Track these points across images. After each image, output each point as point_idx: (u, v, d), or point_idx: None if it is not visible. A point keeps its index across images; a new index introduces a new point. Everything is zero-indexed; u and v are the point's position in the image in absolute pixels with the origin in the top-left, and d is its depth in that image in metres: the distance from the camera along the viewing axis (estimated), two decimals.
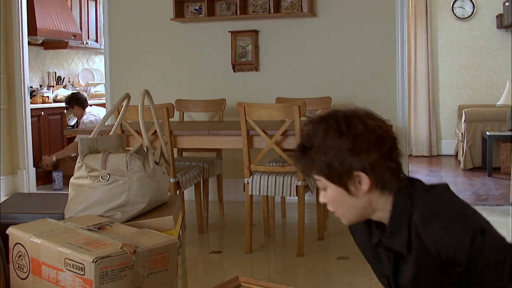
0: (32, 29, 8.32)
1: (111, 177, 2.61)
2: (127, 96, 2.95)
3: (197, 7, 6.83)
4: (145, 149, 2.72)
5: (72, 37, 9.35)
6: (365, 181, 1.95)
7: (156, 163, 2.75)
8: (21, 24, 7.69)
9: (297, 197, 4.77)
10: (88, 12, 10.01)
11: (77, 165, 2.68)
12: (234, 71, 6.78)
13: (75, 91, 9.06)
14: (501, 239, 1.91)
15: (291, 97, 6.28)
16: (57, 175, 8.03)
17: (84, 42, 9.88)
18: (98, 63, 11.00)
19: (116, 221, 2.52)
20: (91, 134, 2.80)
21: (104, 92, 8.35)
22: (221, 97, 6.50)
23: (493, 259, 1.86)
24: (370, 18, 6.44)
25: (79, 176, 2.67)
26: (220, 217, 6.15)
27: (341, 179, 1.97)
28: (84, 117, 8.32)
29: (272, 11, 6.58)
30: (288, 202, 6.16)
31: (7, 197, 2.99)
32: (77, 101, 8.40)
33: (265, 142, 4.77)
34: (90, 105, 8.58)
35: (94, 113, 8.39)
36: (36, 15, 8.50)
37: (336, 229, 5.57)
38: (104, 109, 8.39)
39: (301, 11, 6.53)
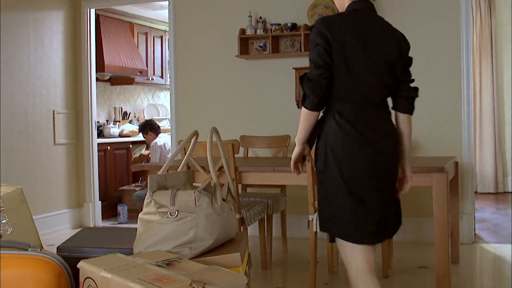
0: (100, 65, 8.51)
1: (179, 214, 2.64)
2: (196, 134, 2.99)
3: (261, 44, 6.90)
4: (213, 186, 2.75)
5: (138, 73, 9.52)
6: None
7: (223, 199, 2.77)
8: (89, 60, 7.88)
9: None
10: (154, 49, 10.20)
11: (146, 201, 2.73)
12: (298, 107, 6.80)
13: (149, 119, 9.24)
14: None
15: None
16: (122, 209, 8.14)
17: (150, 78, 10.05)
18: (163, 98, 11.17)
19: (184, 257, 2.54)
20: (160, 170, 2.84)
21: (169, 127, 8.46)
22: (285, 133, 6.52)
23: None
24: (436, 54, 6.39)
25: (148, 212, 2.71)
26: (283, 253, 6.13)
27: None
28: (153, 141, 8.50)
29: None
30: None
31: (77, 231, 3.05)
32: (151, 128, 8.64)
33: None
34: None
35: (160, 140, 8.56)
36: (104, 51, 8.70)
37: (401, 267, 5.50)
38: (169, 136, 8.54)
39: None
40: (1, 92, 6.72)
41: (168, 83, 10.36)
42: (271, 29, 6.80)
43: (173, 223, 2.64)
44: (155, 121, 9.04)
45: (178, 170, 3.01)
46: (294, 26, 6.72)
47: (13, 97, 6.97)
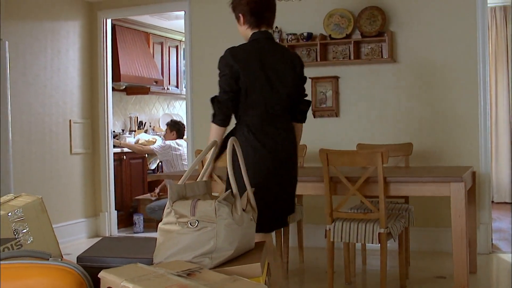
0: (116, 75, 8.54)
1: (199, 224, 2.63)
2: (215, 143, 2.99)
3: None
4: (233, 196, 2.75)
5: (154, 83, 9.55)
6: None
7: (243, 210, 2.77)
8: (106, 70, 7.93)
9: (379, 244, 4.72)
10: (169, 58, 10.22)
11: (166, 211, 2.72)
12: (314, 117, 6.80)
13: (182, 123, 9.17)
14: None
15: (371, 143, 6.26)
16: (137, 218, 8.16)
17: (165, 88, 10.07)
18: (178, 108, 11.20)
19: (204, 267, 2.54)
20: (180, 180, 2.83)
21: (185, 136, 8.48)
22: (300, 142, 6.50)
23: None
24: (451, 63, 6.38)
25: (168, 222, 2.71)
26: (300, 263, 6.12)
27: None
28: (169, 141, 8.50)
29: (352, 57, 6.60)
30: (369, 248, 6.12)
31: (96, 241, 3.05)
32: (178, 130, 8.70)
33: (347, 188, 4.74)
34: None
35: (178, 142, 8.56)
36: (120, 61, 8.73)
37: (418, 277, 5.48)
38: (185, 142, 8.57)
39: (381, 57, 6.54)
40: (19, 102, 6.76)
41: (183, 92, 10.38)
42: (287, 39, 6.81)
43: (193, 233, 2.63)
44: (184, 125, 8.98)
45: (197, 180, 3.01)
46: (310, 36, 6.72)
47: (30, 107, 7.01)
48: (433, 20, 6.44)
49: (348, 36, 6.63)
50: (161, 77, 9.84)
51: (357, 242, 4.81)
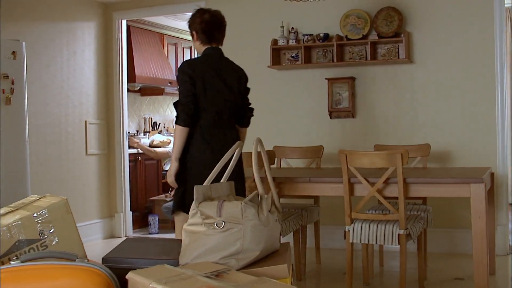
0: (131, 76, 8.54)
1: (226, 225, 2.63)
2: (240, 145, 2.99)
3: (293, 55, 6.90)
4: (259, 197, 2.74)
5: (168, 84, 9.55)
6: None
7: (268, 211, 2.76)
8: (121, 71, 7.94)
9: (396, 246, 4.70)
10: (183, 59, 10.21)
11: (192, 212, 2.72)
12: (330, 118, 6.79)
13: None
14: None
15: (387, 144, 6.24)
16: (153, 219, 8.16)
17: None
18: None
19: (231, 268, 2.53)
20: (205, 181, 2.83)
21: None
22: (317, 143, 6.51)
23: None
24: (468, 64, 6.35)
25: (194, 223, 2.71)
26: (316, 264, 6.10)
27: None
28: None
29: (368, 58, 6.58)
30: (386, 250, 6.10)
31: (120, 242, 3.05)
32: None
33: (366, 189, 4.73)
34: None
35: None
36: (135, 62, 8.73)
37: (437, 278, 5.46)
38: None
39: (398, 57, 6.51)
40: (35, 103, 6.77)
41: None
42: (303, 40, 6.79)
43: (220, 234, 2.63)
44: None
45: (221, 181, 3.00)
46: (326, 37, 6.71)
47: (46, 107, 7.02)
48: (450, 20, 6.41)
49: (365, 37, 6.61)
50: (175, 78, 9.82)
51: (376, 243, 4.79)
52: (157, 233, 8.07)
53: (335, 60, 6.68)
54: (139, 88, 9.50)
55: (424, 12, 6.50)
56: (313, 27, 6.87)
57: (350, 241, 4.83)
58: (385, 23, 6.51)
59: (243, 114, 4.67)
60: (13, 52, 6.09)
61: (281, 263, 2.64)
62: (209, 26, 4.46)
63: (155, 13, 8.04)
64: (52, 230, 2.78)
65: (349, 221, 4.83)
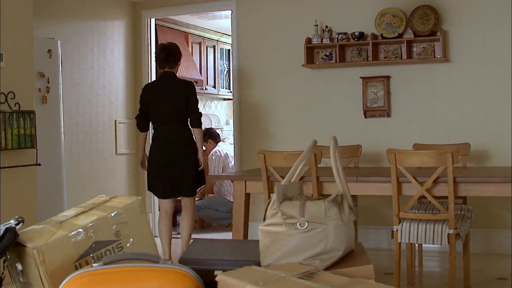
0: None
1: (309, 225, 2.58)
2: (315, 143, 2.94)
3: (327, 53, 6.85)
4: (339, 196, 2.70)
5: (194, 83, 9.48)
6: None
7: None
8: (150, 70, 7.90)
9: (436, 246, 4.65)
10: (207, 58, 10.17)
11: (271, 211, 2.67)
12: (365, 117, 6.74)
13: (209, 127, 9.23)
14: None
15: (422, 143, 6.19)
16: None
17: (204, 88, 10.02)
18: (214, 108, 11.14)
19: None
20: (284, 181, 2.79)
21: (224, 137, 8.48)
22: (354, 143, 6.45)
23: None
24: (505, 62, 6.29)
25: (273, 223, 2.65)
26: None
27: None
28: (213, 150, 8.50)
29: (404, 56, 6.54)
30: (425, 250, 6.06)
31: (190, 244, 3.01)
32: (210, 135, 8.68)
33: (414, 189, 4.68)
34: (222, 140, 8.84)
35: (221, 149, 8.56)
36: None
37: (478, 278, 5.42)
38: (230, 145, 8.57)
39: (434, 56, 6.47)
40: (67, 102, 6.73)
41: (220, 93, 10.35)
42: (337, 38, 6.75)
43: (302, 235, 2.58)
44: (215, 130, 9.04)
45: (292, 181, 2.95)
46: (361, 35, 6.66)
47: (77, 106, 6.99)
48: (487, 18, 6.36)
49: (400, 36, 6.57)
50: (201, 77, 9.80)
51: (425, 243, 4.75)
52: None
53: (370, 59, 6.64)
54: None
55: (460, 10, 6.45)
56: (347, 26, 6.82)
57: (398, 241, 4.79)
58: (421, 21, 6.46)
59: (191, 117, 5.99)
60: (49, 51, 6.08)
61: (365, 263, 2.60)
62: (159, 57, 6.15)
63: (185, 11, 7.99)
64: (127, 231, 2.73)
65: (397, 221, 4.79)
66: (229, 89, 10.90)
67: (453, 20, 6.48)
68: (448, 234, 4.62)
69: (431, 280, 5.58)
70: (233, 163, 8.24)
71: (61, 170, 6.18)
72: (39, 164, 5.50)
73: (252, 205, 5.56)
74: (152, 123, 6.09)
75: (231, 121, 11.30)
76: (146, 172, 6.80)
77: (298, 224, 2.60)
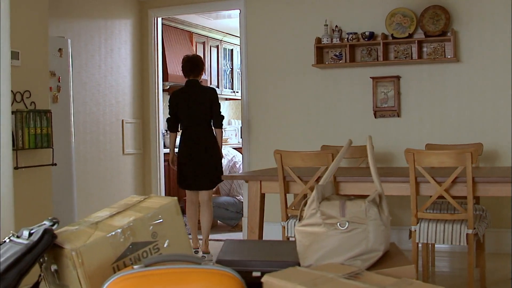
0: (164, 75, 8.47)
1: (349, 225, 2.57)
2: (350, 143, 2.93)
3: (337, 53, 6.84)
4: (378, 196, 2.68)
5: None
6: None
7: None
8: (156, 70, 7.86)
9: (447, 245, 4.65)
10: (210, 58, 10.15)
11: (310, 211, 2.65)
12: (375, 117, 6.73)
13: None
14: None
15: (433, 143, 6.18)
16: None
17: None
18: None
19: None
20: (321, 180, 2.77)
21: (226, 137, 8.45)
22: (362, 143, 6.40)
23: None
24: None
25: (312, 223, 2.64)
26: None
27: None
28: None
29: (414, 56, 6.53)
30: (437, 250, 6.06)
31: (223, 245, 2.99)
32: None
33: (433, 189, 4.67)
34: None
35: (227, 150, 8.56)
36: (167, 61, 8.66)
37: (493, 278, 5.41)
38: (237, 152, 8.55)
39: (445, 56, 6.46)
40: (76, 101, 6.69)
41: (224, 92, 10.33)
42: (347, 38, 6.74)
43: (342, 235, 2.57)
44: None
45: (322, 181, 2.94)
46: (371, 35, 6.65)
47: (85, 106, 6.96)
48: (498, 18, 6.36)
49: (411, 36, 6.56)
50: (204, 77, 9.77)
51: (443, 243, 4.73)
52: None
53: (380, 59, 6.63)
54: (168, 88, 9.42)
55: (471, 10, 6.45)
56: (357, 26, 6.81)
57: (416, 241, 4.78)
58: (431, 21, 6.46)
59: (215, 120, 6.67)
60: (60, 49, 6.05)
61: (406, 263, 2.59)
62: (184, 67, 6.72)
63: (191, 10, 7.93)
64: (164, 231, 2.71)
65: (415, 221, 4.77)
66: (232, 89, 10.88)
67: (464, 20, 6.48)
68: (467, 234, 4.60)
69: (446, 281, 5.57)
70: (239, 163, 8.25)
71: (71, 170, 6.15)
72: (55, 164, 5.46)
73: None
74: (181, 125, 6.69)
75: (233, 121, 11.28)
76: (154, 172, 6.90)
77: (338, 224, 2.59)
